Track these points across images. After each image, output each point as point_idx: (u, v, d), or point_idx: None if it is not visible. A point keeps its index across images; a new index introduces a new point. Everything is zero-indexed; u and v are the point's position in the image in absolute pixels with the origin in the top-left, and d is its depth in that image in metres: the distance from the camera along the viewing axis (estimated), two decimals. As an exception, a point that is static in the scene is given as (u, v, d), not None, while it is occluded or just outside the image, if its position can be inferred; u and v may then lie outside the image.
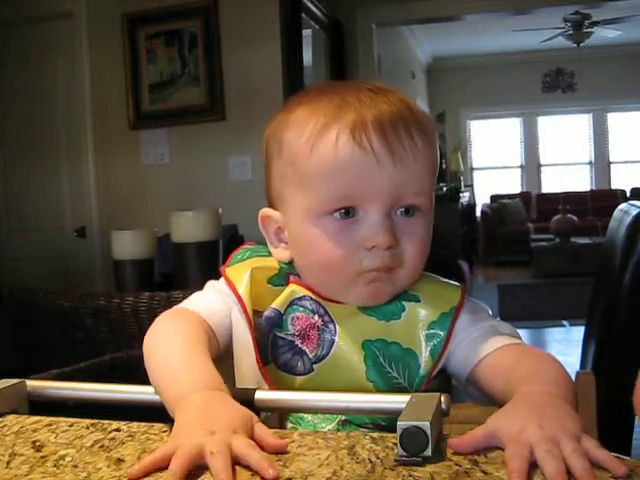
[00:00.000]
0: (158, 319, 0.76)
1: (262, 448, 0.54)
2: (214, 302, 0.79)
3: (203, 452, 0.51)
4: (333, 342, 0.76)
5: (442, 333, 0.77)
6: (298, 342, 0.76)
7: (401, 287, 0.77)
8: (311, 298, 0.78)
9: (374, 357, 0.75)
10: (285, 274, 0.80)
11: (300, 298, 0.78)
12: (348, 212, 0.73)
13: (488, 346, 0.76)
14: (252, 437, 0.55)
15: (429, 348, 0.76)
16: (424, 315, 0.78)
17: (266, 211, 0.82)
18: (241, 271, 0.79)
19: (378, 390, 0.74)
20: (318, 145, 0.73)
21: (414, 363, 0.76)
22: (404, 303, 0.78)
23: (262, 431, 0.56)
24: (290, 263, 0.80)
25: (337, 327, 0.76)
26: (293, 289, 0.78)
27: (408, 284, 0.78)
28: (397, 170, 0.72)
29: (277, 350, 0.76)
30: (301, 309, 0.77)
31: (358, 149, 0.71)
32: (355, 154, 0.71)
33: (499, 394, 0.71)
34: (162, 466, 0.51)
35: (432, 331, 0.77)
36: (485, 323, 0.79)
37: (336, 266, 0.74)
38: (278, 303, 0.77)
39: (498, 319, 0.82)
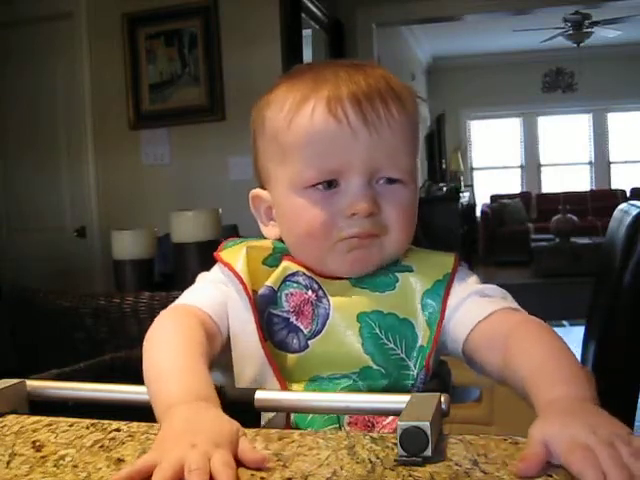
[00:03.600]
0: (156, 321, 0.75)
1: (244, 464, 0.52)
2: (211, 292, 0.79)
3: (183, 467, 0.49)
4: (327, 317, 0.76)
5: (438, 301, 0.76)
6: (293, 319, 0.76)
7: (390, 255, 0.77)
8: (304, 274, 0.78)
9: (370, 329, 0.75)
10: (279, 255, 0.80)
11: (293, 274, 0.78)
12: (330, 184, 0.75)
13: (479, 312, 0.73)
14: (236, 451, 0.53)
15: (426, 317, 0.76)
16: (418, 284, 0.77)
17: (256, 191, 0.84)
18: (236, 251, 0.79)
19: (376, 362, 0.74)
20: (296, 117, 0.75)
21: (411, 333, 0.75)
22: (397, 274, 0.78)
23: (243, 446, 0.54)
24: (283, 242, 0.81)
25: (330, 301, 0.76)
26: (286, 265, 0.78)
27: (397, 251, 0.78)
28: (373, 140, 0.74)
29: (273, 327, 0.76)
30: (295, 285, 0.77)
31: (333, 120, 0.73)
32: (330, 125, 0.73)
33: (496, 371, 0.69)
34: (140, 479, 0.49)
35: (427, 300, 0.76)
36: (472, 288, 0.77)
37: (317, 234, 0.75)
38: (272, 280, 0.77)
39: (486, 284, 0.79)
